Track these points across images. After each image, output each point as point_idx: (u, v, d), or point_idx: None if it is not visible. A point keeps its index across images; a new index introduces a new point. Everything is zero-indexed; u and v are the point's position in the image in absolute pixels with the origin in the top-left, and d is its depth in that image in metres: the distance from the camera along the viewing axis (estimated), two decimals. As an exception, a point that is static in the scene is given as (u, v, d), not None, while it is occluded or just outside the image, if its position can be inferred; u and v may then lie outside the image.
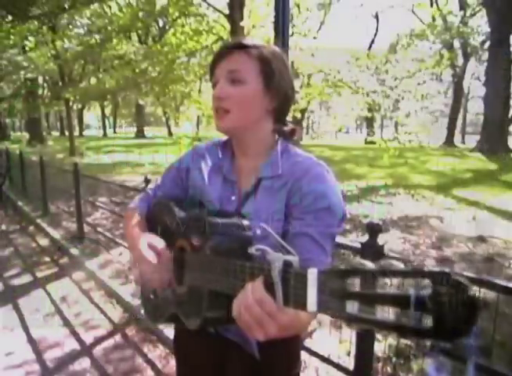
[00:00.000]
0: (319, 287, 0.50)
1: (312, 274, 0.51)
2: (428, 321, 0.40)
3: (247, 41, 0.90)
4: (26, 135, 24.78)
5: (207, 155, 1.00)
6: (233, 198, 0.92)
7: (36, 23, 11.38)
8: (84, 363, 2.49)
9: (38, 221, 5.82)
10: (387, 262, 0.45)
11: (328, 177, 0.87)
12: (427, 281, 0.41)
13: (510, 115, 14.96)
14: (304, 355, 2.05)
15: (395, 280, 0.44)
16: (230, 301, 0.64)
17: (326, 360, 2.04)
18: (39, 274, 3.98)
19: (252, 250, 0.60)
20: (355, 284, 0.47)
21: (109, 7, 16.70)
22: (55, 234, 5.09)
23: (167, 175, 1.06)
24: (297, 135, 0.98)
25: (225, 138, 1.02)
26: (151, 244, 0.86)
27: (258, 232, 0.82)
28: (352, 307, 0.46)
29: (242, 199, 0.91)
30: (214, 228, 0.77)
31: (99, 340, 2.75)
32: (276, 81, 0.89)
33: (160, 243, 0.87)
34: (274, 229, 0.63)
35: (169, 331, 2.56)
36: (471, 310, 0.39)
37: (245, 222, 0.81)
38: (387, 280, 0.44)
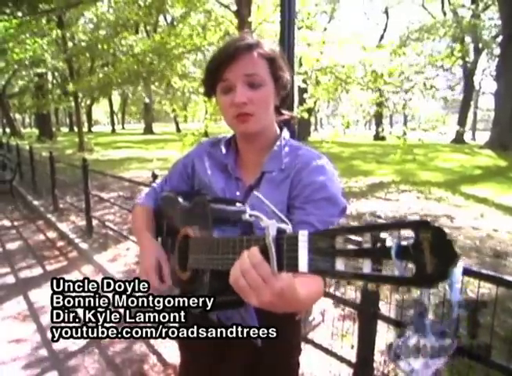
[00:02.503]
0: (309, 247, 0.52)
1: (303, 236, 0.53)
2: (412, 269, 0.42)
3: (251, 40, 0.88)
4: (35, 131, 25.08)
5: (211, 152, 1.02)
6: (238, 193, 0.94)
7: (44, 20, 11.49)
8: (92, 352, 2.55)
9: (48, 215, 5.91)
10: (372, 218, 0.47)
11: (328, 169, 0.89)
12: (409, 232, 0.43)
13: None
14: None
15: (382, 235, 0.46)
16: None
17: (329, 352, 2.06)
18: (49, 267, 4.05)
19: (246, 216, 0.61)
20: (346, 244, 0.49)
21: (116, 2, 16.71)
22: (65, 228, 5.17)
23: (173, 170, 1.08)
24: (293, 121, 1.00)
25: (229, 135, 1.03)
26: (158, 260, 0.94)
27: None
28: (341, 264, 0.48)
29: (246, 192, 0.94)
30: (217, 214, 0.79)
31: (107, 331, 2.80)
32: (283, 76, 0.90)
33: (164, 263, 0.95)
34: (276, 220, 0.64)
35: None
36: (451, 253, 0.41)
37: (247, 209, 0.83)
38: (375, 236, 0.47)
